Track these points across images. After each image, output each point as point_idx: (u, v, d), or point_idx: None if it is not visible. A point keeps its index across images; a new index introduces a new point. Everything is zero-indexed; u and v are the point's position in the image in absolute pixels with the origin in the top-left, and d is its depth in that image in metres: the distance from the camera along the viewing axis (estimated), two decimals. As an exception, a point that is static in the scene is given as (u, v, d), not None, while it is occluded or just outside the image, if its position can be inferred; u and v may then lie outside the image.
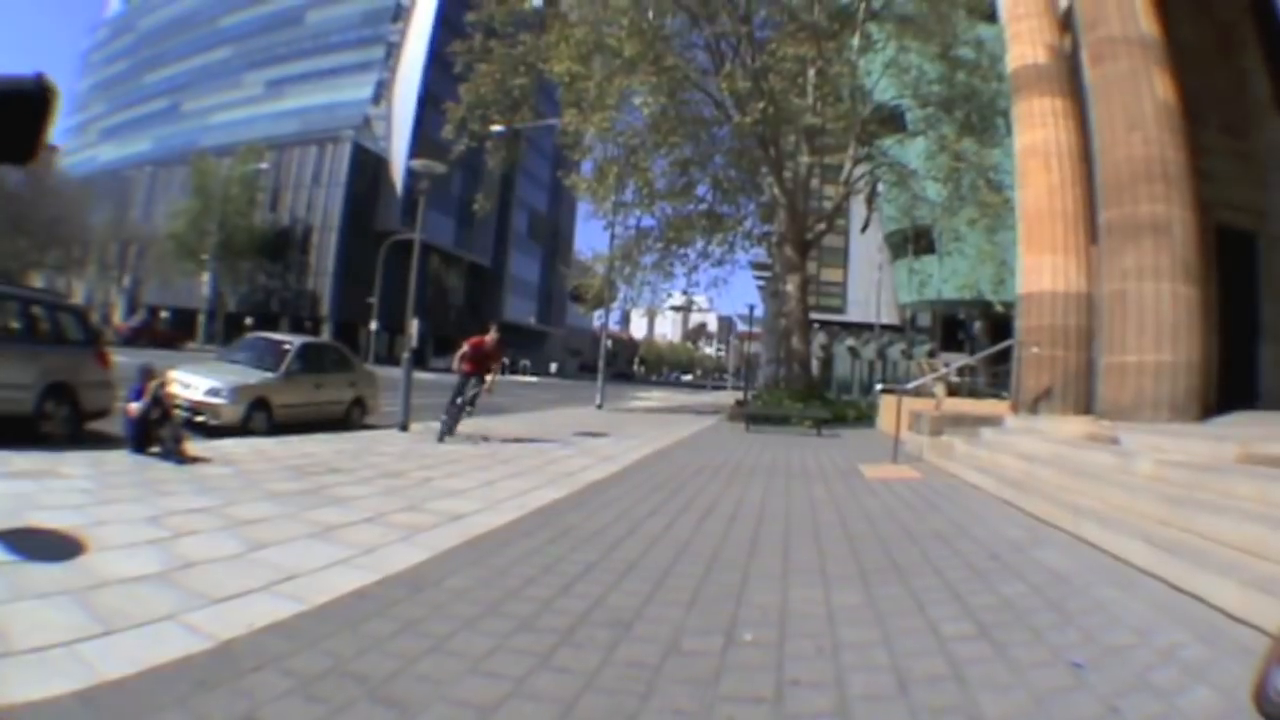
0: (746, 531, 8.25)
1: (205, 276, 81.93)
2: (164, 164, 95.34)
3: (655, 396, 55.49)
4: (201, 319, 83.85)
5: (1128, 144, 12.86)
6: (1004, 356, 18.81)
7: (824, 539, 8.06)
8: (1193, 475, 8.35)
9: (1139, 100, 12.89)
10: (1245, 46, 18.07)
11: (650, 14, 27.60)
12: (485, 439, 16.54)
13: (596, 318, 49.54)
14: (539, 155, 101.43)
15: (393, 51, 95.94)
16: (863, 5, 30.23)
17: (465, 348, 16.85)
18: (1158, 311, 12.39)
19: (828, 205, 34.67)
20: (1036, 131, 16.45)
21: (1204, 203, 13.58)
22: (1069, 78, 16.51)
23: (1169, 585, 6.13)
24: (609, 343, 41.67)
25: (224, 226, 78.83)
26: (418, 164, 19.44)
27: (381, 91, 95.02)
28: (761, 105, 27.14)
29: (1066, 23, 16.35)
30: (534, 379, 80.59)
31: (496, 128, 31.65)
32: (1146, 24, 13.26)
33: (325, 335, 63.45)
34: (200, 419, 14.21)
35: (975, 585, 6.28)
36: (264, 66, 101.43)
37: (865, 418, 28.71)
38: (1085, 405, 14.61)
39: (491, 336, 17.10)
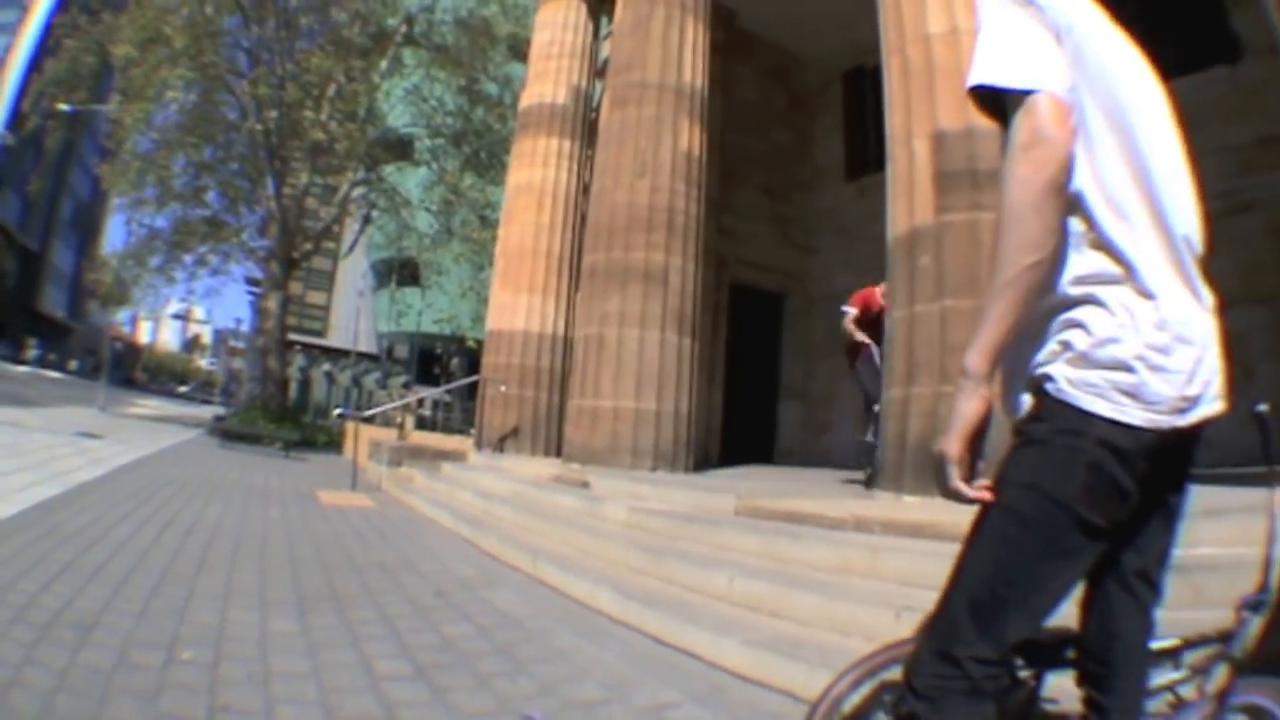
0: (199, 547, 7.77)
1: None
2: None
3: (151, 405, 52.76)
4: None
5: (632, 190, 12.43)
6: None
7: (269, 561, 7.55)
8: (676, 525, 7.77)
9: (657, 148, 12.53)
10: (824, 113, 18.92)
11: (208, 9, 25.90)
12: None
13: (107, 317, 46.98)
14: (94, 143, 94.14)
15: (23, 16, 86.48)
16: (402, 29, 29.76)
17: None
18: (641, 358, 11.95)
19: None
20: (535, 170, 16.12)
21: (721, 258, 13.44)
22: (586, 122, 16.41)
23: (650, 638, 5.58)
24: (118, 345, 39.66)
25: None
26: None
27: (4, 55, 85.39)
28: (275, 114, 26.18)
29: (604, 70, 16.06)
30: (58, 375, 75.38)
31: (63, 106, 29.59)
32: (691, 75, 13.02)
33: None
34: None
35: (416, 623, 5.73)
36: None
37: (335, 443, 27.59)
38: (558, 447, 14.21)
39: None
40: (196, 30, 25.20)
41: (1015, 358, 1.92)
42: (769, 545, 6.63)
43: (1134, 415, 1.76)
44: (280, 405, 29.53)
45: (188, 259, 29.82)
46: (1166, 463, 1.90)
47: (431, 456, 15.90)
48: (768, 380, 17.95)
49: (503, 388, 15.16)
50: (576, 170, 16.23)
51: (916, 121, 8.23)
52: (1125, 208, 1.83)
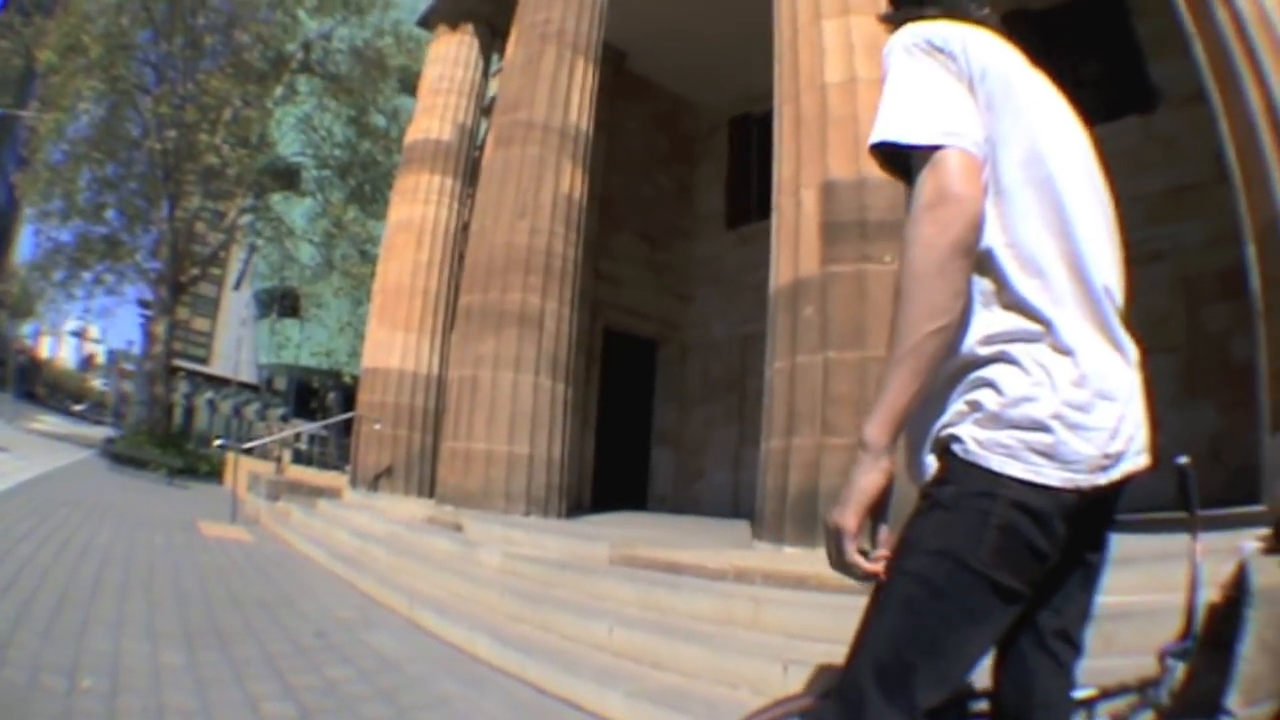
0: (93, 571, 7.80)
1: None
2: None
3: (50, 421, 52.39)
4: None
5: (512, 230, 12.17)
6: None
7: (157, 592, 7.43)
8: (551, 572, 7.58)
9: (539, 189, 12.30)
10: (708, 159, 18.96)
11: (124, 20, 25.29)
12: None
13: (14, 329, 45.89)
14: (14, 150, 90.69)
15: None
16: (299, 55, 29.32)
17: None
18: (514, 402, 11.70)
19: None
20: (416, 207, 15.90)
21: (597, 303, 13.29)
22: (470, 160, 16.22)
23: (532, 687, 5.40)
24: (22, 359, 38.99)
25: None
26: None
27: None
28: (174, 134, 25.55)
29: (490, 108, 15.92)
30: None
31: None
32: (577, 116, 12.82)
33: None
34: None
35: (298, 663, 5.53)
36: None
37: (216, 472, 26.95)
38: (430, 488, 13.92)
39: None
40: (111, 41, 24.73)
41: (918, 420, 1.81)
42: (646, 595, 6.51)
43: (1050, 476, 1.65)
44: (166, 431, 28.78)
45: (87, 276, 29.13)
46: (1086, 520, 1.79)
47: (308, 492, 15.39)
48: (641, 426, 17.79)
49: (377, 426, 14.83)
50: (457, 208, 16.00)
51: (806, 171, 8.14)
52: (1040, 263, 1.74)
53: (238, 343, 56.18)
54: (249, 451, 20.51)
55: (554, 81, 12.67)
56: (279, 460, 19.69)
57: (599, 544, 8.32)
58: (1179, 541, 2.31)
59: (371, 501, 13.66)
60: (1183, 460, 2.24)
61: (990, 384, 1.71)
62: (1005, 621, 1.76)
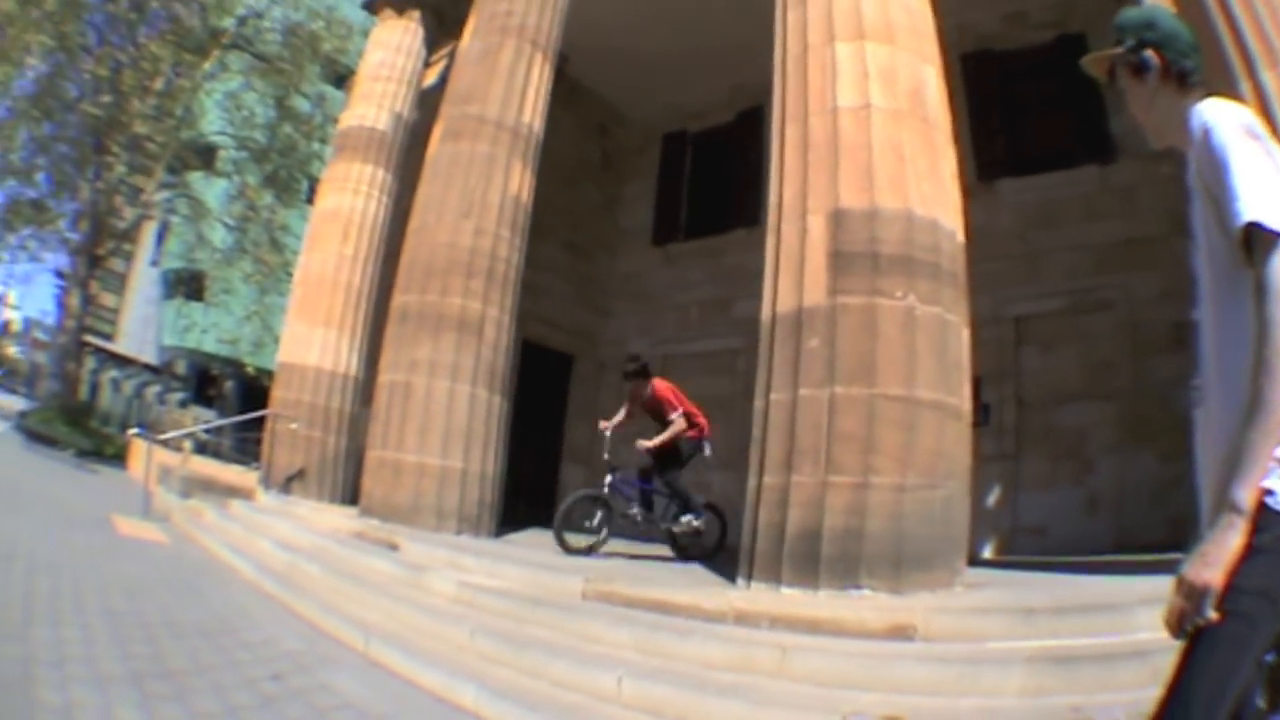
0: (20, 580, 7.03)
1: None
2: None
3: None
4: None
5: (456, 230, 11.28)
6: (256, 423, 17.10)
7: (89, 611, 6.48)
8: (521, 608, 6.78)
9: (488, 188, 11.48)
10: (637, 174, 18.68)
11: None
12: None
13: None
14: None
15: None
16: (234, 30, 28.26)
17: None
18: (450, 412, 10.77)
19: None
20: (345, 196, 14.94)
21: (522, 313, 12.61)
22: (405, 153, 15.40)
23: None
24: None
25: None
26: None
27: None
28: (109, 99, 24.45)
29: (429, 100, 15.13)
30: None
31: None
32: (530, 115, 12.05)
33: None
34: None
35: (267, 718, 4.54)
36: None
37: (120, 456, 25.75)
38: (344, 495, 13.08)
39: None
40: None
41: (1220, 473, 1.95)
42: (646, 640, 5.87)
43: None
44: (75, 409, 27.54)
45: (13, 240, 27.86)
46: None
47: (220, 490, 14.46)
48: (552, 442, 17.29)
49: (294, 425, 13.81)
50: (387, 202, 15.12)
51: (814, 196, 7.46)
52: None
53: (144, 322, 54.56)
54: (149, 439, 19.62)
55: (510, 77, 11.85)
56: (182, 450, 18.78)
57: (569, 576, 7.52)
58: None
59: (289, 508, 12.51)
60: None
61: None
62: None
